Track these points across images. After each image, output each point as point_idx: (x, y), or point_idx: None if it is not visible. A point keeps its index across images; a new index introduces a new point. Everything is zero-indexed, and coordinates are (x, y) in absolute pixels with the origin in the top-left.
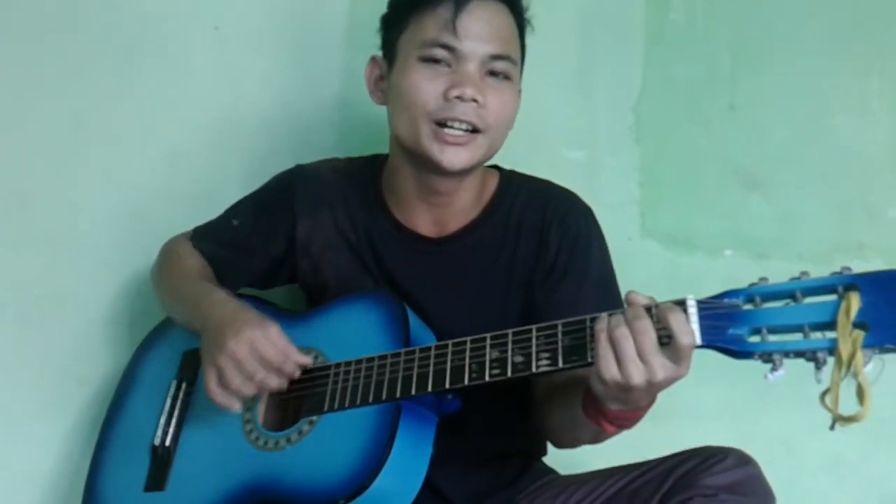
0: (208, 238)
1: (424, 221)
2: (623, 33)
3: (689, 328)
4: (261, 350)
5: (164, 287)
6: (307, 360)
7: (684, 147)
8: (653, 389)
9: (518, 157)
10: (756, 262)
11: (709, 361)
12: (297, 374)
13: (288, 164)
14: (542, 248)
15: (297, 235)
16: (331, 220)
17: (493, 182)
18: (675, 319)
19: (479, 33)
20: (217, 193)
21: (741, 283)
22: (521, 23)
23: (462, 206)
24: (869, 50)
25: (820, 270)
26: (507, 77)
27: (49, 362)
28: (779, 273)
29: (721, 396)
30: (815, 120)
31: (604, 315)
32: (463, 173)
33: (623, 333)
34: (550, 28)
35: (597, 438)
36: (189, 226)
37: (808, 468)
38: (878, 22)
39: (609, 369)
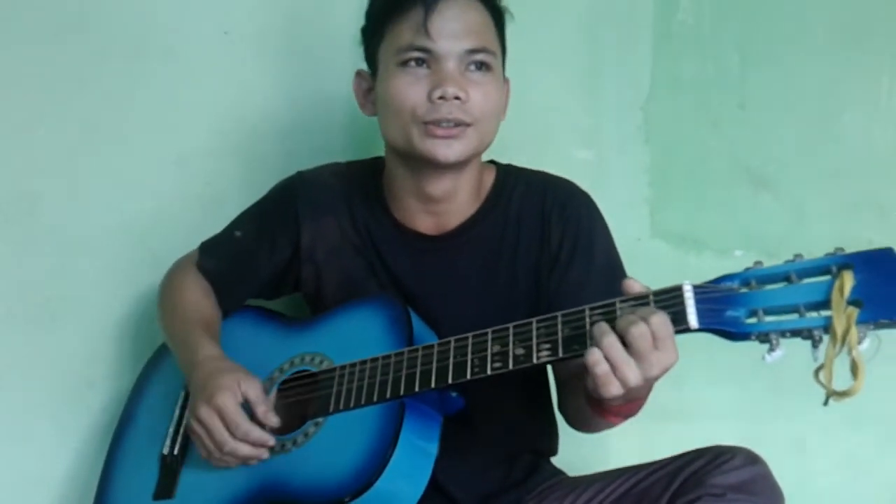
0: (212, 254)
1: (424, 222)
2: (631, 33)
3: (663, 316)
4: (227, 418)
5: (163, 322)
6: (269, 438)
7: (693, 146)
8: (652, 382)
9: (526, 156)
10: (766, 262)
11: (720, 361)
12: (271, 441)
13: (298, 167)
14: (544, 239)
15: (302, 242)
16: (335, 225)
17: (489, 176)
18: (652, 320)
19: (451, 31)
20: (227, 196)
21: None
22: (495, 13)
23: (460, 205)
24: (878, 48)
25: None
26: (488, 68)
27: (59, 365)
28: None
29: (732, 396)
30: (824, 119)
31: (597, 352)
32: (458, 166)
33: (614, 342)
34: (559, 28)
35: (611, 425)
36: (198, 228)
37: (819, 467)
38: (888, 20)
39: (609, 386)
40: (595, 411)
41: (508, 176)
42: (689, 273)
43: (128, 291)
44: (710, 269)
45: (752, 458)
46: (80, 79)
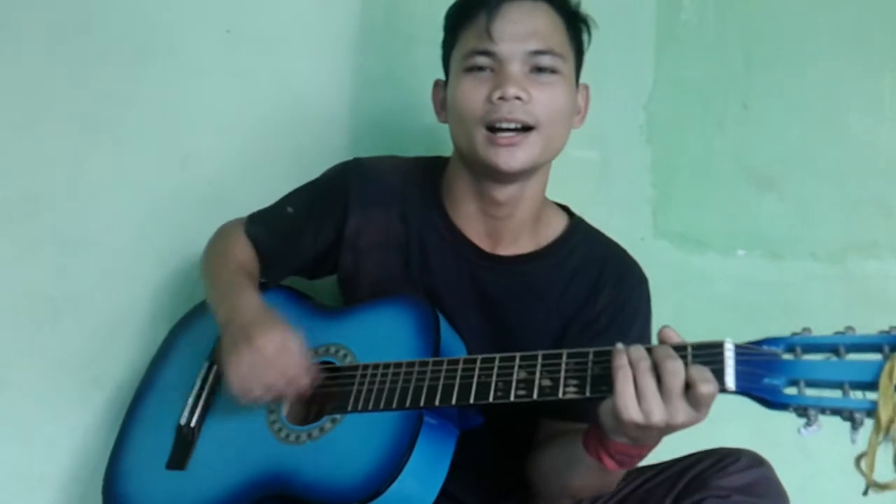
0: (262, 225)
1: (478, 231)
2: (634, 33)
3: (711, 376)
4: (288, 351)
5: (206, 268)
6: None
7: (696, 146)
8: (667, 431)
9: None
10: (769, 262)
11: None
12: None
13: (301, 166)
14: (589, 302)
15: (347, 228)
16: (383, 219)
17: (559, 223)
18: (695, 370)
19: (514, 34)
20: (229, 195)
21: (753, 282)
22: (567, 15)
23: (519, 223)
24: (882, 48)
25: (833, 269)
26: (554, 71)
27: (63, 364)
28: (792, 272)
29: (737, 398)
30: (828, 118)
31: (620, 347)
32: (522, 175)
33: (647, 367)
34: None
35: (586, 482)
36: (201, 227)
37: (823, 469)
38: (892, 21)
39: (629, 407)
40: (592, 449)
41: (576, 232)
42: (693, 273)
43: (131, 290)
44: (714, 268)
45: (757, 461)
46: (82, 78)
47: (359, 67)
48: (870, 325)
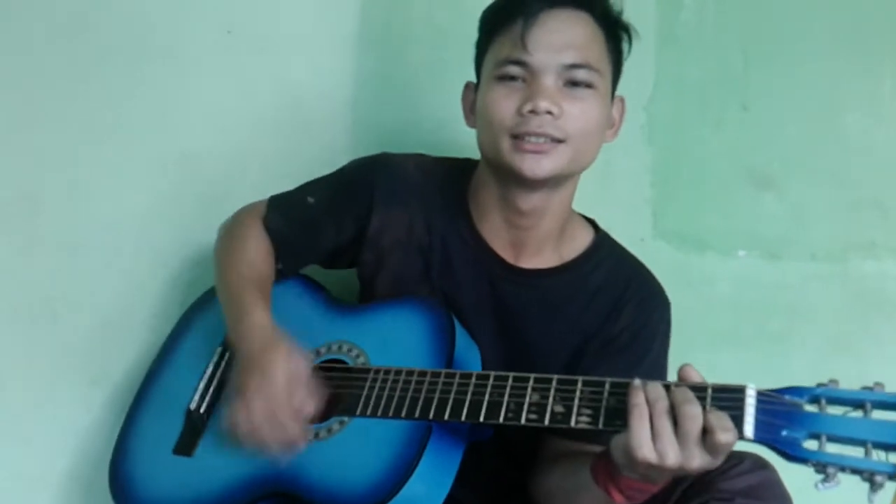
0: (281, 213)
1: (502, 240)
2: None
3: (731, 425)
4: (294, 397)
5: (217, 261)
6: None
7: (696, 147)
8: (679, 473)
9: None
10: (768, 263)
11: (726, 365)
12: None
13: (300, 166)
14: (610, 319)
15: (370, 225)
16: (406, 219)
17: (584, 237)
18: (714, 416)
19: (550, 45)
20: (229, 196)
21: (753, 283)
22: (608, 28)
23: (544, 235)
24: (881, 49)
25: (832, 270)
26: (588, 86)
27: (61, 364)
28: (791, 273)
29: None
30: (827, 119)
31: (638, 383)
32: (547, 184)
33: (664, 408)
34: None
35: None
36: (199, 228)
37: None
38: (890, 21)
39: (643, 446)
40: (601, 481)
41: (602, 248)
42: (692, 273)
43: (130, 290)
44: (713, 269)
45: (760, 464)
46: (81, 78)
47: (358, 68)
48: (868, 325)
